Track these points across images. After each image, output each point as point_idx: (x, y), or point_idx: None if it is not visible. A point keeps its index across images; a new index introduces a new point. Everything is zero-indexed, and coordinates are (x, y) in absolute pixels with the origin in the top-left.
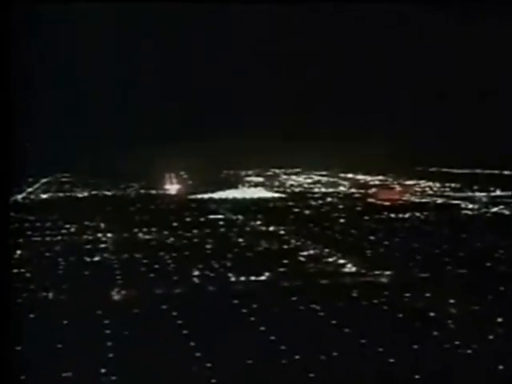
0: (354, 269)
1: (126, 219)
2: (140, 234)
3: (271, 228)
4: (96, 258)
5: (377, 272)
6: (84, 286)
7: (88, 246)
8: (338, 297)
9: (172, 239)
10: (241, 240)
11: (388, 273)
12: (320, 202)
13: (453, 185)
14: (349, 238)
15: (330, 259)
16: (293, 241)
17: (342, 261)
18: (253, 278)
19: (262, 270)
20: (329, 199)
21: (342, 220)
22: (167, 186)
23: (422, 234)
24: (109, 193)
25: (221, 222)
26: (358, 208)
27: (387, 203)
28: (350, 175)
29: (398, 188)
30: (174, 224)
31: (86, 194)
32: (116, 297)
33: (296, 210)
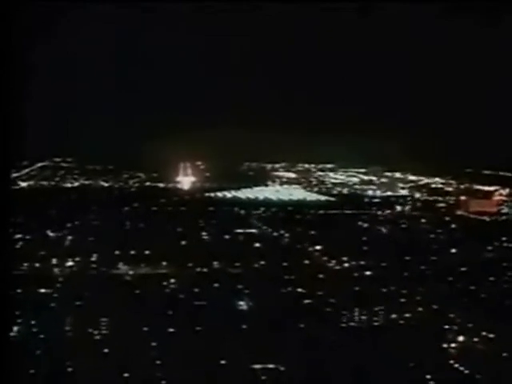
0: None
1: (109, 232)
2: (120, 266)
3: (345, 262)
4: (11, 335)
5: None
6: None
7: (19, 291)
8: None
9: (172, 281)
10: (300, 291)
11: None
12: (388, 211)
13: None
14: (497, 293)
15: None
16: (402, 299)
17: None
18: None
19: None
20: (398, 207)
21: (452, 249)
22: (179, 178)
23: None
24: (105, 184)
25: (256, 244)
26: (453, 224)
27: (485, 218)
28: (397, 174)
29: (484, 196)
30: (182, 243)
31: (76, 183)
32: None
33: (363, 223)
